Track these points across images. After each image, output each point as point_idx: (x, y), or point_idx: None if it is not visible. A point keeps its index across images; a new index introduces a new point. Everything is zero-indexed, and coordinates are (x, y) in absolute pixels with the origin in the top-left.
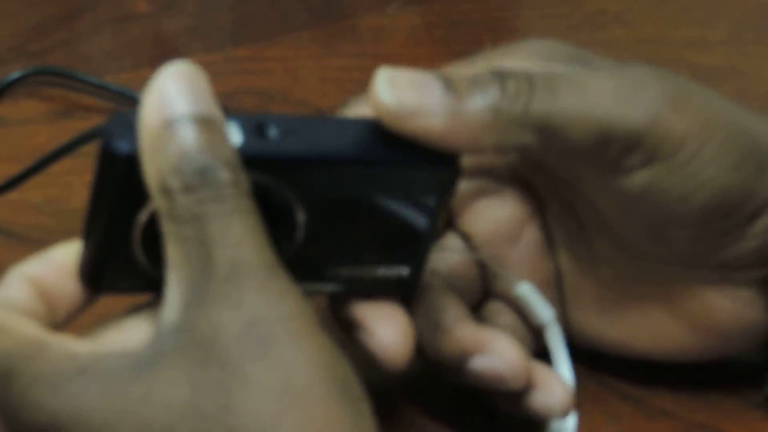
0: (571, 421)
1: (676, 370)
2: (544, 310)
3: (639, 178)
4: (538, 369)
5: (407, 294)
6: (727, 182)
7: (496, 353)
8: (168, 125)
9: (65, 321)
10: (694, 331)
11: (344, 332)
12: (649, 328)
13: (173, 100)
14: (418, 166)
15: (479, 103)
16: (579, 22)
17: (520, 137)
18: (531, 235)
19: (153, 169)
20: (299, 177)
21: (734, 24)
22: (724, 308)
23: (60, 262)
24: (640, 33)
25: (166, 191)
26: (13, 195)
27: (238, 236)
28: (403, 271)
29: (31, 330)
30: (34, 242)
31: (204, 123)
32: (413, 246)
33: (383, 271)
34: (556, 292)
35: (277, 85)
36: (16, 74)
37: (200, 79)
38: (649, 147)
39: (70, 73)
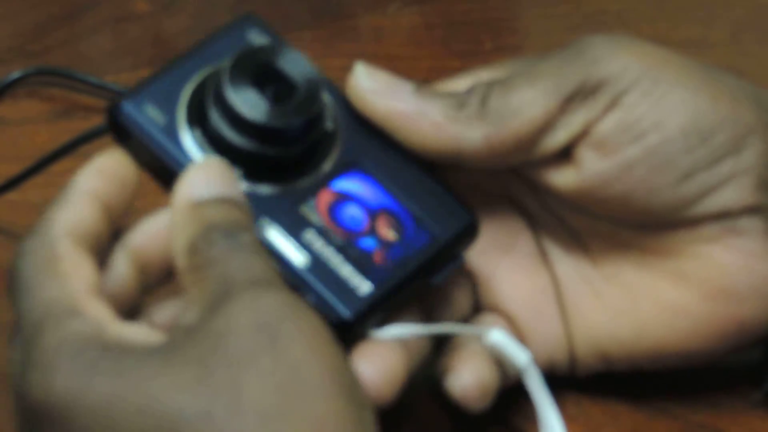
0: (523, 355)
1: (677, 369)
2: (519, 354)
3: (611, 118)
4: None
5: (345, 323)
6: (698, 104)
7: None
8: (196, 205)
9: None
10: (707, 299)
11: None
12: (660, 311)
13: (204, 185)
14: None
15: (444, 95)
16: (579, 22)
17: (479, 128)
18: (524, 246)
19: (181, 237)
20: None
21: (734, 24)
22: (732, 264)
23: (112, 171)
24: (640, 33)
25: (193, 250)
26: (13, 195)
27: (257, 268)
28: (364, 287)
29: (79, 285)
30: None
31: (229, 203)
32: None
33: (347, 271)
34: (557, 305)
35: None
36: (16, 74)
37: (225, 169)
38: (612, 83)
39: (70, 73)
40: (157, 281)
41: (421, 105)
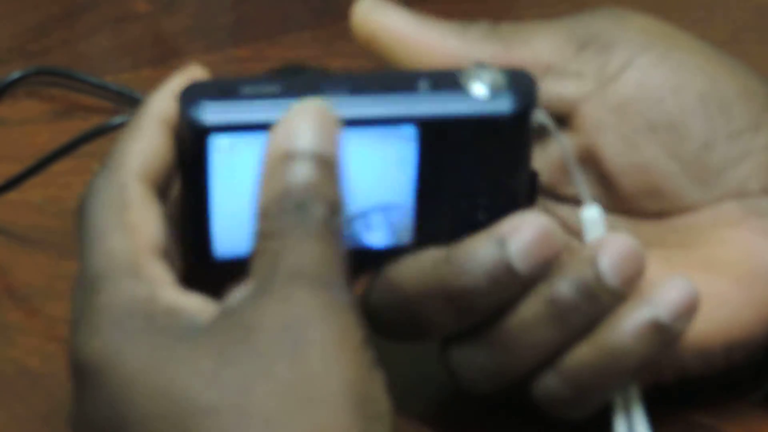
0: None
1: (721, 375)
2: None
3: (629, 79)
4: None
5: None
6: (716, 72)
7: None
8: (286, 157)
9: None
10: (740, 283)
11: None
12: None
13: (300, 135)
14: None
15: (447, 22)
16: None
17: (486, 49)
18: None
19: (262, 193)
20: None
21: (734, 24)
22: (758, 246)
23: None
24: None
25: (265, 214)
26: (13, 195)
27: (309, 253)
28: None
29: (143, 241)
30: (34, 242)
31: (320, 163)
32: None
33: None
34: None
35: None
36: (16, 74)
37: (331, 121)
38: (628, 43)
39: (70, 73)
40: None
41: (421, 25)
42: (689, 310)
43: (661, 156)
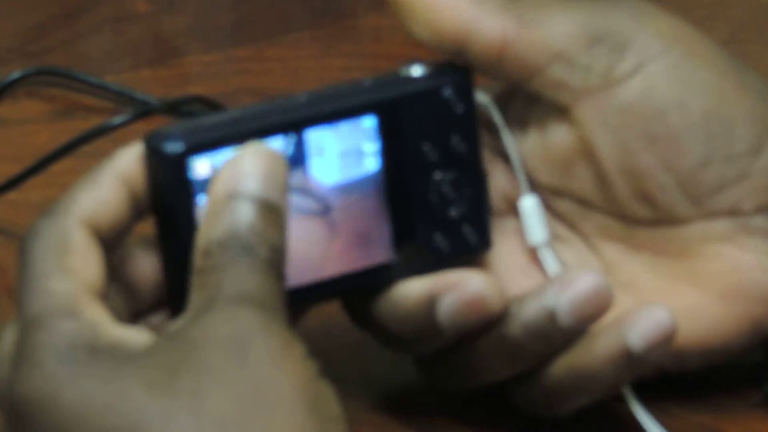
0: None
1: (697, 372)
2: (538, 231)
3: (636, 85)
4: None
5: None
6: (723, 91)
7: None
8: (231, 197)
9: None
10: (723, 299)
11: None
12: (678, 314)
13: (245, 176)
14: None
15: None
16: None
17: (500, 20)
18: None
19: (204, 232)
20: None
21: (734, 24)
22: (746, 263)
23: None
24: None
25: (207, 253)
26: (13, 195)
27: (251, 284)
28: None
29: (83, 284)
30: None
31: (265, 207)
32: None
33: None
34: None
35: (277, 85)
36: (16, 74)
37: (279, 167)
38: (642, 46)
39: (70, 73)
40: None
41: None
42: (663, 341)
43: (657, 167)
